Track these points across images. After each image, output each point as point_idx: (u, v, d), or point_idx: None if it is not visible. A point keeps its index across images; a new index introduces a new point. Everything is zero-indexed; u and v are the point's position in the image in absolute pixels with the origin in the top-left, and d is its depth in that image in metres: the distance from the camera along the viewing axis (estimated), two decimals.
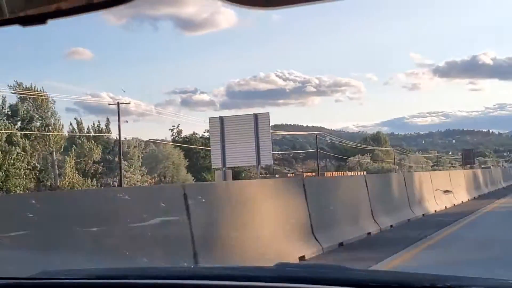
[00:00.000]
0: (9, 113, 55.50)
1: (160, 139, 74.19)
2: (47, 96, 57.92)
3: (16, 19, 1.25)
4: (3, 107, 54.93)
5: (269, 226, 8.37)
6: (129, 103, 58.50)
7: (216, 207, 7.18)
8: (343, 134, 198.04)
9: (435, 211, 17.11)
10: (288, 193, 9.46)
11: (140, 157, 65.04)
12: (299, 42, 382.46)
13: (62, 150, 58.27)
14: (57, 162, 58.31)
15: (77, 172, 58.46)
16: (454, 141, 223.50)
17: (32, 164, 54.30)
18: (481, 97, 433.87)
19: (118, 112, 57.37)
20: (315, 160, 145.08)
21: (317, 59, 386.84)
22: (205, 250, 6.56)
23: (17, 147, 51.13)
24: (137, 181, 63.69)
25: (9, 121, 54.39)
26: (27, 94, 56.52)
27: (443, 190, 20.40)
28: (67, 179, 56.78)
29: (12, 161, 50.26)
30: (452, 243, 10.91)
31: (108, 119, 63.96)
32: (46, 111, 57.23)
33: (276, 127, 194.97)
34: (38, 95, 57.46)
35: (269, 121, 17.13)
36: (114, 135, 63.11)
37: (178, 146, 71.65)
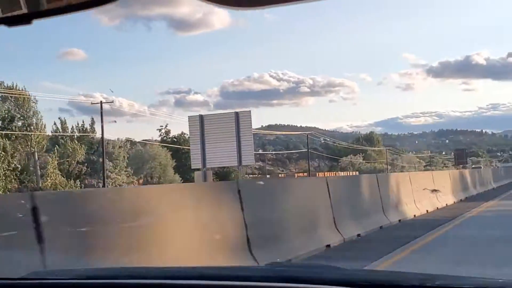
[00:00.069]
0: None
1: (147, 139, 72.09)
2: (29, 95, 56.04)
3: (1, 19, 1.27)
4: None
5: (185, 244, 6.50)
6: (112, 102, 56.64)
7: (90, 223, 5.27)
8: (337, 135, 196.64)
9: (414, 216, 15.27)
10: (217, 200, 7.59)
11: (126, 158, 63.13)
12: (293, 42, 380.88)
13: (44, 150, 56.39)
14: (39, 163, 56.43)
15: (60, 173, 56.59)
16: (447, 141, 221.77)
17: (13, 164, 52.47)
18: (475, 97, 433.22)
19: (101, 112, 55.53)
20: (307, 161, 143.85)
21: (311, 60, 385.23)
22: None
23: None
24: (123, 182, 61.85)
25: None
26: (8, 93, 54.59)
27: (430, 189, 18.91)
28: (49, 180, 54.89)
29: None
30: (421, 259, 9.02)
31: (92, 119, 62.07)
32: (27, 110, 55.27)
33: (269, 127, 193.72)
34: (19, 94, 55.51)
35: (250, 120, 16.42)
36: (99, 135, 61.13)
37: (165, 146, 69.70)
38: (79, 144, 59.07)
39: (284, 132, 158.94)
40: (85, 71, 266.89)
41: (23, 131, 54.66)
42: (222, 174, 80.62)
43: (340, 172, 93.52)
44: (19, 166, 53.87)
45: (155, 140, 73.47)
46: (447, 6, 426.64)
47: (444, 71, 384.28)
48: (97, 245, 5.25)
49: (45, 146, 56.76)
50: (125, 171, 62.96)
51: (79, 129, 62.08)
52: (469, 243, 10.60)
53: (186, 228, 6.66)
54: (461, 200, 21.56)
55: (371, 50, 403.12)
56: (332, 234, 10.11)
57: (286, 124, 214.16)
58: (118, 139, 64.06)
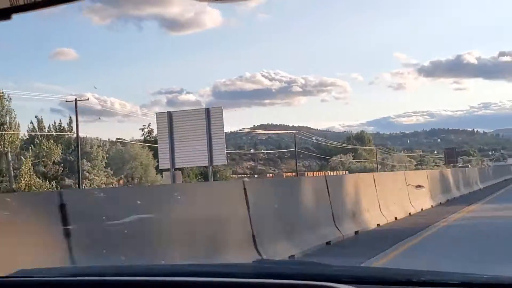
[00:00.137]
0: None
1: (125, 139, 69.31)
2: (2, 92, 53.23)
3: None
4: None
5: None
6: (87, 99, 53.86)
7: None
8: (329, 134, 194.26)
9: (378, 225, 12.63)
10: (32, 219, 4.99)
11: (105, 158, 60.33)
12: (285, 42, 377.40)
13: (17, 150, 53.61)
14: (13, 164, 53.66)
15: (35, 173, 53.83)
16: (439, 140, 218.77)
17: None
18: (466, 96, 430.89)
19: (76, 110, 52.89)
20: (300, 160, 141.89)
21: (303, 59, 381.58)
22: None
23: None
24: (102, 183, 59.14)
25: None
26: None
27: (415, 185, 17.07)
28: (23, 181, 52.15)
29: None
30: None
31: (70, 118, 59.28)
32: (0, 109, 52.52)
33: (262, 127, 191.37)
34: None
35: (222, 117, 15.54)
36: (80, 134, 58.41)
37: (147, 146, 66.93)
38: (55, 143, 56.34)
39: (271, 131, 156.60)
40: (76, 71, 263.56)
41: None
42: (206, 174, 77.96)
43: (329, 172, 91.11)
44: None
45: (137, 140, 70.68)
46: (438, 5, 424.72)
47: (436, 70, 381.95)
48: None
49: (19, 145, 54.00)
50: (104, 172, 60.22)
51: (56, 128, 59.35)
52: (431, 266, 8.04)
53: None
54: (440, 203, 18.94)
55: (363, 49, 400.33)
56: (248, 257, 7.45)
57: (278, 124, 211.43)
58: (97, 138, 61.23)
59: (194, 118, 15.59)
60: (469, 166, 74.85)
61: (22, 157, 52.37)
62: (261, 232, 7.94)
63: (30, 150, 53.64)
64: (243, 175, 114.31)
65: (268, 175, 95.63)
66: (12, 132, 53.05)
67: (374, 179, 13.39)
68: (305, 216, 9.68)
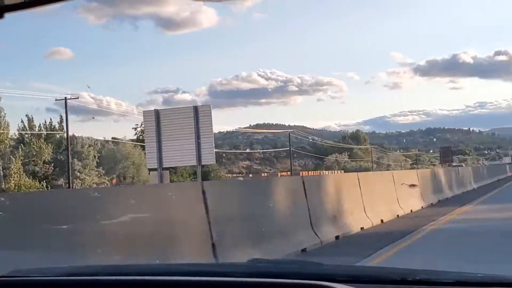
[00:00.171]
0: None
1: (118, 138, 68.31)
2: None
3: None
4: None
5: None
6: (77, 97, 52.82)
7: None
8: (325, 133, 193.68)
9: (362, 228, 11.73)
10: None
11: (96, 157, 59.35)
12: (281, 41, 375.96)
13: (7, 149, 52.59)
14: (3, 163, 52.65)
15: (25, 173, 52.85)
16: (435, 139, 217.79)
17: None
18: (462, 95, 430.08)
19: (66, 108, 51.89)
20: (296, 159, 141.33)
21: (299, 59, 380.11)
22: None
23: None
24: (93, 182, 58.19)
25: None
26: None
27: (408, 184, 16.54)
28: (13, 181, 51.16)
29: None
30: None
31: (61, 116, 58.26)
32: None
33: (258, 126, 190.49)
34: None
35: (211, 115, 15.15)
36: (70, 133, 57.53)
37: (140, 145, 65.98)
38: (45, 143, 55.37)
39: (267, 131, 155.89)
40: (72, 70, 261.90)
41: None
42: (202, 174, 77.04)
43: (325, 171, 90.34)
44: None
45: (130, 139, 69.67)
46: (434, 5, 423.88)
47: (432, 69, 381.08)
48: None
49: (9, 145, 53.02)
50: (95, 171, 59.26)
51: (47, 127, 58.36)
52: (425, 266, 7.09)
53: None
54: (431, 204, 18.06)
55: (359, 49, 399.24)
56: None
57: (274, 123, 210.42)
58: (88, 137, 60.24)
59: (182, 116, 15.16)
60: (463, 165, 74.06)
61: (12, 157, 51.40)
62: (222, 240, 7.03)
63: (20, 150, 52.69)
64: (238, 175, 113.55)
65: (263, 174, 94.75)
66: (2, 131, 52.10)
67: (358, 179, 12.47)
68: (277, 220, 8.77)
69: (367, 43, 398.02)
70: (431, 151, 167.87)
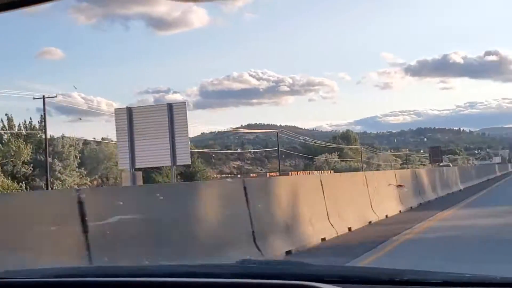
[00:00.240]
0: None
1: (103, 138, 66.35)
2: None
3: None
4: None
5: None
6: (56, 96, 50.88)
7: None
8: (316, 133, 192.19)
9: (323, 239, 9.97)
10: None
11: (77, 157, 57.42)
12: (272, 41, 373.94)
13: None
14: None
15: (3, 174, 50.91)
16: (425, 139, 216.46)
17: None
18: (452, 95, 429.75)
19: (44, 107, 49.95)
20: (287, 159, 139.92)
21: (290, 59, 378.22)
22: None
23: None
24: (74, 183, 56.28)
25: None
26: None
27: (396, 185, 15.71)
28: None
29: None
30: None
31: (42, 116, 56.26)
32: None
33: (249, 126, 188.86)
34: None
35: (186, 113, 14.42)
36: (49, 133, 55.72)
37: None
38: (24, 143, 53.40)
39: (258, 131, 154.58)
40: (63, 70, 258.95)
41: None
42: (186, 175, 75.22)
43: (314, 171, 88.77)
44: None
45: (111, 139, 67.69)
46: (424, 5, 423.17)
47: (422, 69, 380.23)
48: None
49: None
50: (77, 172, 57.34)
51: (26, 127, 56.40)
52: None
53: None
54: (411, 208, 16.33)
55: (350, 49, 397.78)
56: None
57: (266, 123, 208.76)
58: (70, 137, 58.29)
59: (155, 114, 14.42)
60: (450, 165, 72.54)
61: None
62: (117, 259, 5.26)
63: None
64: (228, 175, 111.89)
65: (252, 175, 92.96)
66: None
67: (321, 181, 10.68)
68: (205, 235, 6.98)
69: (358, 43, 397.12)
70: (421, 151, 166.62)
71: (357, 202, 12.47)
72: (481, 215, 14.00)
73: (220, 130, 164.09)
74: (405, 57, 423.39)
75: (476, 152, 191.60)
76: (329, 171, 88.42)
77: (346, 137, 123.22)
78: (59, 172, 55.42)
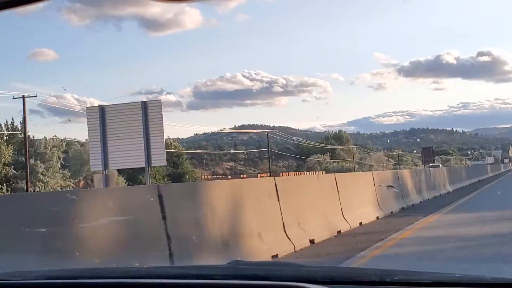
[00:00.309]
0: None
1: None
2: None
3: None
4: None
5: None
6: (36, 96, 49.04)
7: None
8: (310, 134, 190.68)
9: (275, 256, 8.11)
10: None
11: (61, 159, 55.51)
12: (266, 42, 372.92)
13: None
14: None
15: None
16: (418, 139, 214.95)
17: None
18: (445, 96, 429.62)
19: (24, 106, 48.06)
20: (280, 160, 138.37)
21: (283, 60, 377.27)
22: None
23: None
24: (58, 185, 54.40)
25: None
26: None
27: (385, 185, 14.99)
28: None
29: None
30: None
31: (24, 116, 54.38)
32: None
33: (243, 127, 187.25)
34: None
35: (161, 111, 13.83)
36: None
37: None
38: (6, 144, 51.54)
39: (251, 131, 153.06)
40: (56, 71, 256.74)
41: None
42: (174, 176, 73.43)
43: (306, 172, 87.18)
44: None
45: None
46: (416, 6, 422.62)
47: (415, 70, 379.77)
48: None
49: None
50: (60, 173, 55.43)
51: (8, 128, 54.54)
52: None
53: None
54: (391, 213, 14.58)
55: (343, 50, 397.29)
56: None
57: (259, 124, 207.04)
58: (53, 138, 56.43)
59: (129, 113, 13.73)
60: (440, 165, 70.87)
61: None
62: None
63: None
64: (219, 176, 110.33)
65: (242, 175, 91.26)
66: None
67: (276, 185, 8.90)
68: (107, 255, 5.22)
69: (351, 44, 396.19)
70: (414, 151, 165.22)
71: (324, 208, 10.71)
72: (467, 222, 12.26)
73: (213, 131, 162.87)
74: (398, 58, 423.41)
75: (469, 152, 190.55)
76: (321, 171, 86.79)
77: (338, 137, 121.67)
78: (41, 174, 53.53)
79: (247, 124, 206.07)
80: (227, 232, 7.31)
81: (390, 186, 15.52)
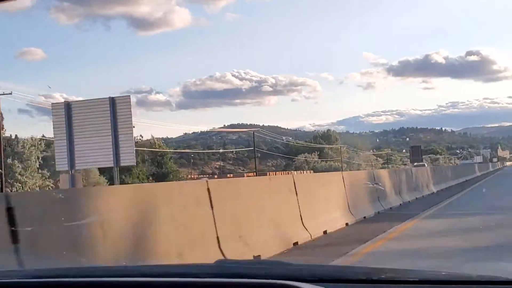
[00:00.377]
0: None
1: None
2: None
3: None
4: None
5: None
6: (11, 93, 47.02)
7: None
8: (299, 133, 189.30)
9: None
10: None
11: (39, 158, 53.57)
12: (255, 41, 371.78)
13: None
14: None
15: None
16: (407, 139, 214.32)
17: None
18: (434, 95, 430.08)
19: None
20: (269, 159, 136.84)
21: (273, 59, 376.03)
22: None
23: None
24: (36, 185, 52.47)
25: None
26: None
27: (372, 183, 14.47)
28: None
29: None
30: None
31: (1, 115, 52.34)
32: None
33: (232, 126, 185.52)
34: None
35: (130, 108, 13.15)
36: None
37: None
38: None
39: (238, 130, 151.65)
40: (44, 70, 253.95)
41: None
42: (159, 176, 71.59)
43: (294, 171, 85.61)
44: None
45: None
46: (405, 5, 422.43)
47: (404, 70, 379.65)
48: None
49: None
50: (39, 173, 53.48)
51: None
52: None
53: None
54: (364, 218, 12.86)
55: (332, 49, 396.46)
56: None
57: (249, 124, 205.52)
58: (32, 137, 54.47)
59: (97, 109, 13.19)
60: (425, 164, 69.46)
61: None
62: None
63: None
64: (206, 176, 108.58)
65: (228, 175, 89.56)
66: None
67: (209, 190, 7.13)
68: None
69: (340, 43, 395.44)
70: (403, 150, 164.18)
71: (277, 216, 8.96)
72: (446, 230, 10.54)
73: (203, 130, 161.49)
74: (387, 57, 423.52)
75: (458, 151, 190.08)
76: (309, 171, 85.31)
77: (327, 137, 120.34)
78: (19, 174, 51.58)
79: (236, 123, 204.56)
80: (127, 253, 5.53)
81: (376, 183, 14.78)
